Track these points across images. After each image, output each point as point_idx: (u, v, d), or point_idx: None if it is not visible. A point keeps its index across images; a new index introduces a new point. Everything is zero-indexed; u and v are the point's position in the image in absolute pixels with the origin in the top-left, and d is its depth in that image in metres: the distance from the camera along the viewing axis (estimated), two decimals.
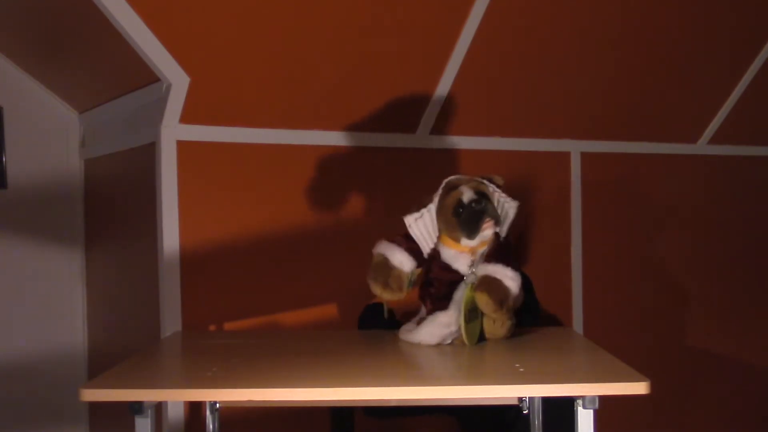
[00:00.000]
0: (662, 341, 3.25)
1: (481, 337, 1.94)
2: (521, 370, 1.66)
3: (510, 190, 2.92)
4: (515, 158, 2.94)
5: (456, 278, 1.96)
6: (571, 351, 1.99)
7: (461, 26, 2.58)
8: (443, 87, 2.68)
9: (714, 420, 3.35)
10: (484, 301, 1.85)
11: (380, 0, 2.44)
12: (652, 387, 1.51)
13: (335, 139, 2.63)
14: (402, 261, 1.97)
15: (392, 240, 2.00)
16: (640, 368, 1.60)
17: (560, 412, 1.87)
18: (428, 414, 2.58)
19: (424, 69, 2.64)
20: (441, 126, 2.77)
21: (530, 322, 2.50)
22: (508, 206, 1.99)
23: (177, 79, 2.31)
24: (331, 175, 2.64)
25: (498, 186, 1.99)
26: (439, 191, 1.97)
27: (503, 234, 1.97)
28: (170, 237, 2.38)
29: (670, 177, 3.28)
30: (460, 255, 1.95)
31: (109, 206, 2.90)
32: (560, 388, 1.53)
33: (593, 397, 1.53)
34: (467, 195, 1.92)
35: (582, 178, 3.07)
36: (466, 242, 1.94)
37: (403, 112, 2.69)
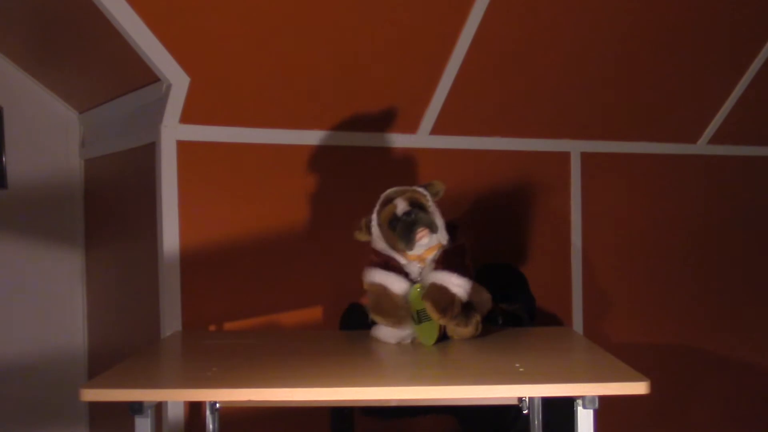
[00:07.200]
0: (662, 341, 3.25)
1: (444, 336, 1.98)
2: (521, 370, 1.66)
3: (510, 190, 2.94)
4: (515, 158, 2.94)
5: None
6: (571, 351, 1.99)
7: (461, 26, 2.58)
8: (443, 87, 2.68)
9: (714, 420, 3.35)
10: (429, 309, 1.91)
11: (380, 0, 2.44)
12: (652, 387, 1.51)
13: (335, 139, 2.62)
14: (401, 287, 1.99)
15: (377, 264, 2.00)
16: (640, 368, 1.60)
17: (560, 412, 1.87)
18: (427, 414, 2.58)
19: (424, 69, 2.64)
20: (441, 126, 2.77)
21: (528, 321, 2.51)
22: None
23: (177, 79, 2.31)
24: (331, 175, 2.64)
25: (437, 192, 2.00)
26: (377, 207, 2.00)
27: (444, 241, 1.97)
28: (170, 237, 2.39)
29: (670, 177, 3.28)
30: (410, 263, 2.00)
31: (109, 206, 2.90)
32: (560, 388, 1.54)
33: (593, 397, 1.53)
34: (400, 207, 1.95)
35: (582, 178, 3.07)
36: (411, 252, 1.97)
37: (403, 112, 2.69)
